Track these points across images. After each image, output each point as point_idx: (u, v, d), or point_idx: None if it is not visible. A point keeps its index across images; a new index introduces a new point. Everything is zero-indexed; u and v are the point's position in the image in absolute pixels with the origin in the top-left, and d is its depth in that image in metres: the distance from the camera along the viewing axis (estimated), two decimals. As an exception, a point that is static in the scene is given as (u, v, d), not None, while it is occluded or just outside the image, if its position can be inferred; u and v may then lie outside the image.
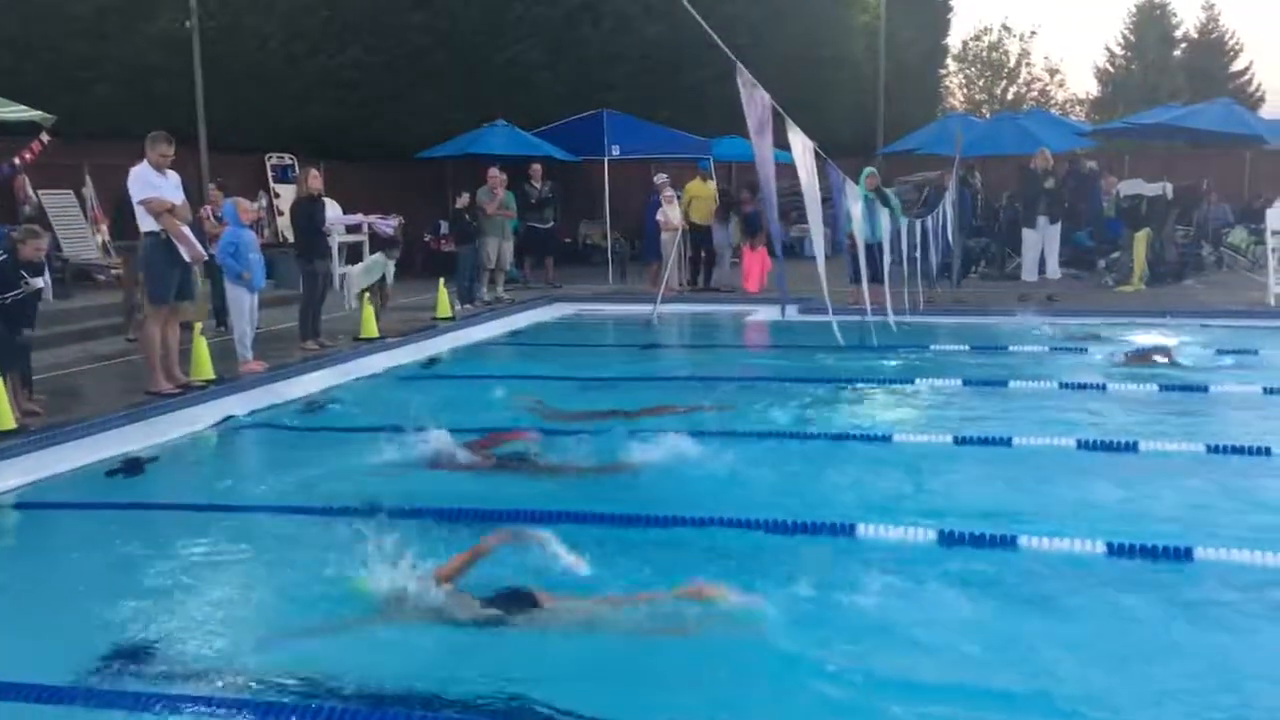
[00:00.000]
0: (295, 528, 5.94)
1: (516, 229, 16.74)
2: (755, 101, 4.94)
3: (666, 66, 20.50)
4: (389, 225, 13.48)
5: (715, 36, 4.32)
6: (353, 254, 15.64)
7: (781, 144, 7.23)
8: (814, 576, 4.90)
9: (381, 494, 6.05)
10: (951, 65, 47.05)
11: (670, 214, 16.36)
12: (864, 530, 5.53)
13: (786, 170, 7.68)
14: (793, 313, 13.07)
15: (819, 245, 7.02)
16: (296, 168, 18.37)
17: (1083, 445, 7.23)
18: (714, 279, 17.18)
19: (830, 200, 10.09)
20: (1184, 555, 5.14)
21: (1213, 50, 46.43)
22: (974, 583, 4.92)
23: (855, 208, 9.73)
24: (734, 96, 6.47)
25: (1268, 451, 6.95)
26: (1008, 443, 7.31)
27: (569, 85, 20.25)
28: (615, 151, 18.71)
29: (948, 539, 5.41)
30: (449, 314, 13.59)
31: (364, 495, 6.09)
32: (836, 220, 11.43)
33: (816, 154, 7.25)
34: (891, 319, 11.49)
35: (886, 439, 7.59)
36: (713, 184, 17.58)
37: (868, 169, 12.91)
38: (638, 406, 8.59)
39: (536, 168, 17.66)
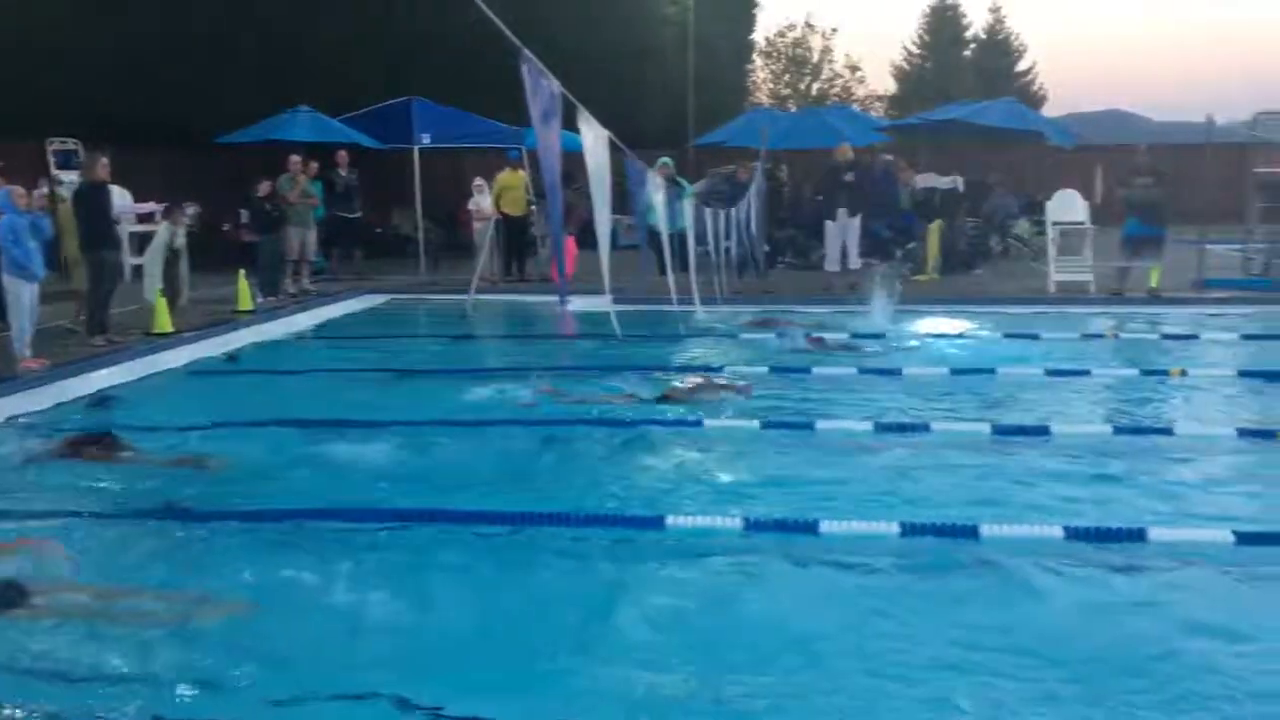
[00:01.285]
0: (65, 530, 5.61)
1: (320, 218, 16.23)
2: (542, 90, 4.91)
3: (477, 53, 20.21)
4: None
5: (500, 23, 4.29)
6: (145, 245, 14.82)
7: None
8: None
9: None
10: (758, 60, 48.32)
11: (481, 203, 16.20)
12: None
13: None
14: (606, 302, 13.09)
15: (604, 234, 7.08)
16: (81, 153, 17.28)
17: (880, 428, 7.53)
18: (528, 269, 17.12)
19: (633, 193, 10.18)
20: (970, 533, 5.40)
21: (999, 51, 49.21)
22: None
23: (657, 197, 9.84)
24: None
25: (1046, 430, 7.39)
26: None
27: (377, 71, 19.74)
28: (425, 140, 18.38)
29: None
30: (250, 306, 13.08)
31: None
32: (637, 211, 11.54)
33: (616, 145, 7.27)
34: (697, 307, 11.68)
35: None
36: (524, 173, 17.49)
37: (661, 159, 13.12)
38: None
39: (343, 155, 17.15)
